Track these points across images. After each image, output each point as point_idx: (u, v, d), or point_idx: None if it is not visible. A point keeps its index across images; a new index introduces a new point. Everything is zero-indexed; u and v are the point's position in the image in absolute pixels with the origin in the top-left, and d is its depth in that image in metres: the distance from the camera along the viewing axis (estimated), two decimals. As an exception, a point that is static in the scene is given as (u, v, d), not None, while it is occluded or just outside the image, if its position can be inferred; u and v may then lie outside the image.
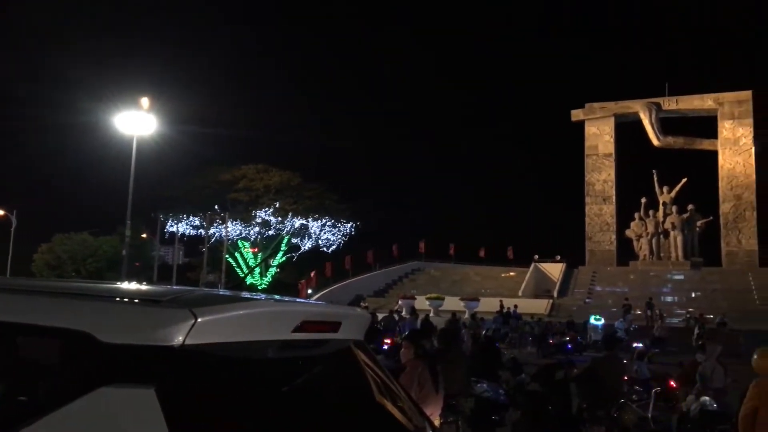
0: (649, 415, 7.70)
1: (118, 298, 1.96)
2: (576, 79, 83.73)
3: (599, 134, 51.39)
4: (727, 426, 6.74)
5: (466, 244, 54.22)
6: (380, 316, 28.10)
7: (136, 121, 25.69)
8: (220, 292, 2.37)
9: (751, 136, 47.07)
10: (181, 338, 1.67)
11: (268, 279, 52.17)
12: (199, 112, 47.87)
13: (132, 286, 2.46)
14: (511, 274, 48.35)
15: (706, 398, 7.79)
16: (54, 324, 1.77)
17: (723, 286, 41.59)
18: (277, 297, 2.44)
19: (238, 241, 51.32)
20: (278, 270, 53.50)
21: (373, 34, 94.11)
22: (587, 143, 51.87)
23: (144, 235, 50.67)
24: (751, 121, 47.18)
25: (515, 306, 33.92)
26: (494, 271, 50.24)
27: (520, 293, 42.23)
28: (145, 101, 25.99)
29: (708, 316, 32.43)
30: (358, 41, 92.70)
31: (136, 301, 1.93)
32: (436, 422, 5.96)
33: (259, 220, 49.55)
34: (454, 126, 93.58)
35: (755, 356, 4.90)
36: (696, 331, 25.73)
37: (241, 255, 52.28)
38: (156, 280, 39.38)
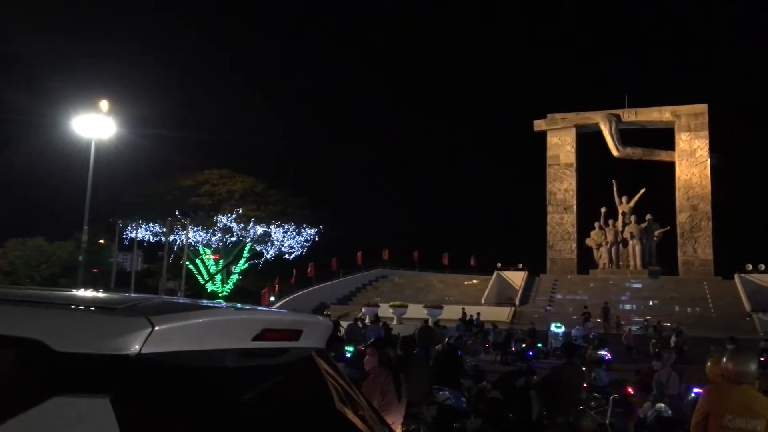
0: (607, 422, 7.83)
1: (72, 306, 1.92)
2: (539, 90, 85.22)
3: (561, 144, 52.30)
4: (681, 431, 6.91)
5: (430, 252, 54.53)
6: (345, 324, 28.02)
7: (95, 125, 25.19)
8: (179, 300, 2.34)
9: (706, 148, 48.51)
10: (137, 347, 1.64)
11: (229, 286, 51.54)
12: (161, 116, 47.30)
13: (88, 293, 2.41)
14: (474, 281, 48.75)
15: (662, 405, 7.97)
16: (5, 332, 1.72)
17: (679, 294, 42.65)
18: (237, 305, 2.42)
19: (200, 248, 50.58)
20: (240, 277, 52.90)
21: (337, 39, 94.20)
22: (549, 153, 52.74)
23: (102, 241, 49.55)
24: (707, 133, 48.64)
25: (478, 314, 34.20)
26: (458, 278, 50.58)
27: (482, 301, 42.59)
28: (104, 104, 25.51)
29: (665, 324, 33.22)
30: (320, 49, 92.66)
31: (92, 308, 1.89)
32: (398, 431, 5.97)
33: (221, 226, 48.93)
34: (418, 134, 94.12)
35: (708, 363, 5.04)
36: (653, 338, 26.30)
37: (203, 262, 51.53)
38: (113, 287, 38.51)
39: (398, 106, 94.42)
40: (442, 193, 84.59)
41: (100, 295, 2.40)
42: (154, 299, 2.11)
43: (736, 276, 42.90)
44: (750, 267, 43.35)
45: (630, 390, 9.66)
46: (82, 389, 1.58)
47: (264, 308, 2.45)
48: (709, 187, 48.37)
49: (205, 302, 2.17)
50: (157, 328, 1.68)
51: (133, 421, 1.56)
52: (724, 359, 4.57)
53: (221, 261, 51.51)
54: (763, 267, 43.08)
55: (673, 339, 25.27)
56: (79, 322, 1.77)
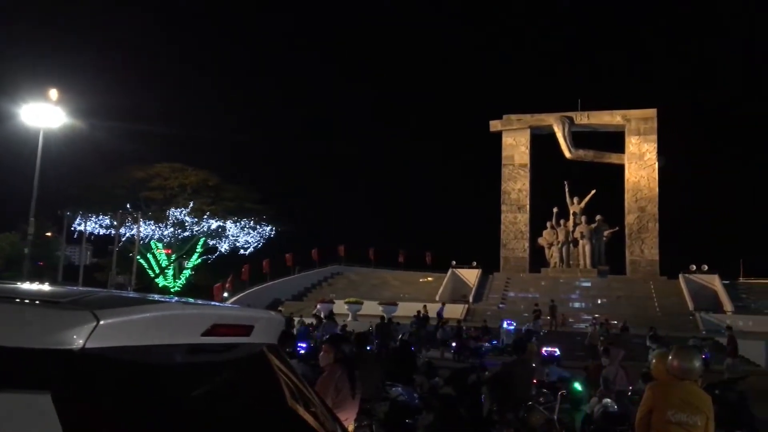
0: (555, 417, 8.00)
1: (13, 299, 1.85)
2: (496, 92, 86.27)
3: (516, 145, 53.08)
4: (626, 426, 7.11)
5: (386, 249, 54.74)
6: (301, 320, 27.87)
7: (43, 114, 24.39)
8: (126, 294, 2.28)
9: (655, 152, 49.94)
10: (81, 341, 1.60)
11: (181, 281, 50.63)
12: (113, 108, 46.10)
13: (31, 286, 2.33)
14: (429, 279, 49.11)
15: (608, 400, 8.18)
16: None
17: (627, 293, 43.84)
18: (186, 299, 2.38)
19: (151, 242, 49.52)
20: (193, 272, 52.02)
21: (294, 34, 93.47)
22: (504, 153, 53.47)
23: (49, 234, 48.09)
24: (655, 137, 50.07)
25: (443, 304, 34.71)
26: (413, 276, 50.87)
27: (437, 298, 42.92)
28: (53, 93, 24.71)
29: (613, 322, 34.12)
30: (277, 44, 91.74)
31: (34, 302, 1.83)
32: (351, 427, 5.97)
33: (173, 220, 48.01)
34: (376, 133, 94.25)
35: (653, 361, 5.20)
36: (601, 336, 26.98)
37: (154, 256, 50.47)
38: (61, 281, 37.42)
39: (357, 104, 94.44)
40: (398, 191, 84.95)
41: (44, 288, 2.33)
42: (100, 293, 2.06)
43: (680, 276, 44.33)
44: (694, 267, 44.85)
45: (578, 386, 9.90)
46: (22, 385, 1.53)
47: (214, 303, 2.41)
48: (657, 189, 49.84)
49: (153, 296, 2.13)
50: (102, 322, 1.64)
51: (75, 417, 1.52)
52: (669, 357, 4.72)
53: (173, 256, 50.56)
54: (705, 267, 44.62)
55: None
56: (20, 315, 1.71)
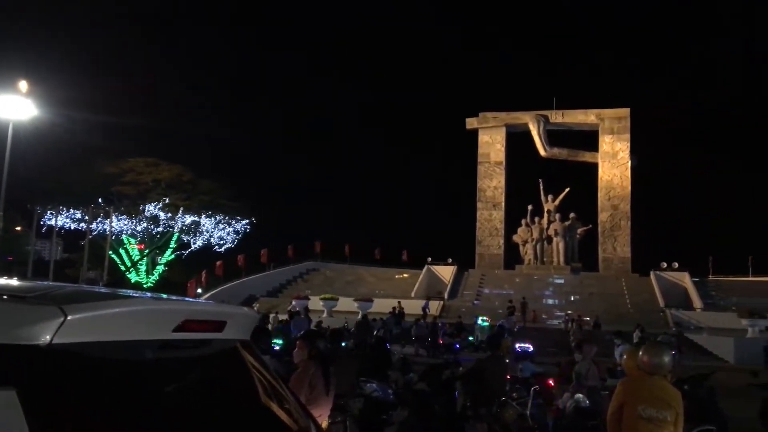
0: (528, 412, 8.08)
1: (-22, 294, 1.81)
2: (472, 90, 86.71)
3: (491, 143, 53.42)
4: (598, 421, 7.22)
5: (362, 246, 54.73)
6: (276, 317, 27.74)
7: (13, 106, 23.91)
8: (95, 289, 2.25)
9: (628, 151, 50.66)
10: (48, 337, 1.57)
11: (155, 277, 50.02)
12: (85, 101, 45.26)
13: (-2, 281, 2.28)
14: (405, 275, 49.23)
15: (580, 395, 8.29)
16: None
17: (599, 290, 44.43)
18: (156, 295, 2.35)
19: (123, 237, 48.85)
20: (166, 268, 51.43)
21: (268, 31, 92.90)
22: (480, 151, 53.80)
23: (18, 228, 47.16)
24: (628, 136, 50.78)
25: (428, 299, 34.79)
26: (388, 272, 50.94)
27: (412, 294, 43.08)
28: (23, 85, 24.23)
29: (585, 318, 34.56)
30: (253, 40, 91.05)
31: (1, 297, 1.79)
32: (325, 423, 5.95)
33: (147, 215, 47.40)
34: (353, 128, 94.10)
35: (624, 356, 5.28)
36: (572, 332, 27.32)
37: (126, 251, 49.78)
38: (30, 276, 36.75)
39: (333, 101, 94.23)
40: (374, 187, 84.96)
41: (11, 282, 2.28)
42: (68, 287, 2.02)
43: (651, 273, 45.07)
44: (664, 265, 45.62)
45: (551, 382, 10.01)
46: (-14, 381, 1.49)
47: (186, 299, 2.39)
48: (629, 188, 50.57)
49: (123, 291, 2.10)
50: (69, 317, 1.61)
51: (42, 414, 1.49)
52: (640, 352, 4.79)
53: (146, 251, 49.93)
54: (676, 265, 45.42)
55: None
56: (-15, 310, 1.67)
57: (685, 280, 43.98)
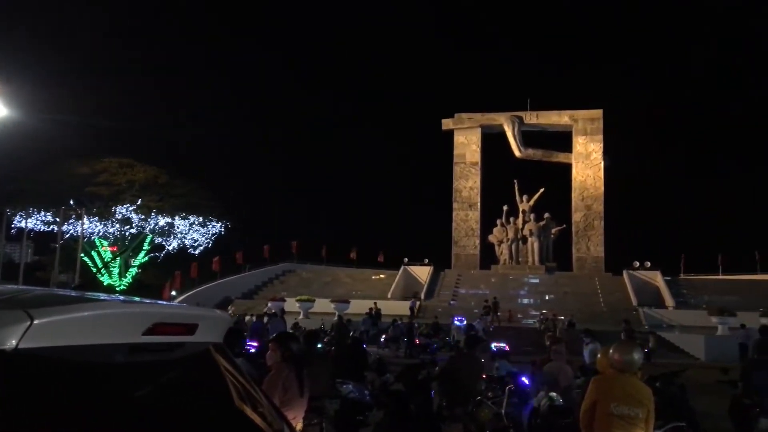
0: (503, 411, 8.14)
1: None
2: (448, 91, 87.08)
3: (467, 143, 53.74)
4: (571, 420, 7.30)
5: (339, 247, 54.61)
6: (252, 318, 27.56)
7: (-19, 105, 23.42)
8: (63, 292, 2.22)
9: (601, 151, 51.32)
10: (14, 342, 1.54)
11: (128, 280, 49.33)
12: (57, 100, 44.46)
13: (-38, 285, 2.23)
14: (382, 276, 49.23)
15: (554, 394, 8.37)
16: None
17: (573, 289, 44.91)
18: (126, 297, 2.32)
19: (96, 239, 48.10)
20: (140, 270, 50.76)
21: (242, 29, 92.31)
22: (456, 151, 54.09)
23: (-13, 231, 46.13)
24: (601, 137, 51.45)
25: (414, 299, 35.56)
26: (365, 273, 50.90)
27: (389, 295, 43.11)
28: (-8, 84, 23.74)
29: (560, 317, 34.89)
30: (227, 39, 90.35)
31: (-33, 301, 1.76)
32: (299, 426, 5.93)
33: (119, 216, 46.74)
34: (329, 129, 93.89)
35: (598, 355, 5.36)
36: (546, 331, 27.55)
37: (99, 254, 49.02)
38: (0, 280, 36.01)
39: (309, 102, 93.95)
40: (351, 188, 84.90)
41: (-24, 287, 2.23)
42: (35, 291, 1.99)
43: (624, 272, 45.70)
44: (637, 264, 46.29)
45: (525, 380, 10.09)
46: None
47: (156, 302, 2.36)
48: (602, 188, 51.23)
49: (92, 294, 2.07)
50: (36, 321, 1.58)
51: (8, 420, 1.47)
52: (611, 350, 4.87)
53: (119, 253, 49.23)
54: (648, 264, 46.11)
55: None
56: (-51, 315, 1.64)
57: (657, 279, 44.66)
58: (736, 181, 77.50)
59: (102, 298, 2.02)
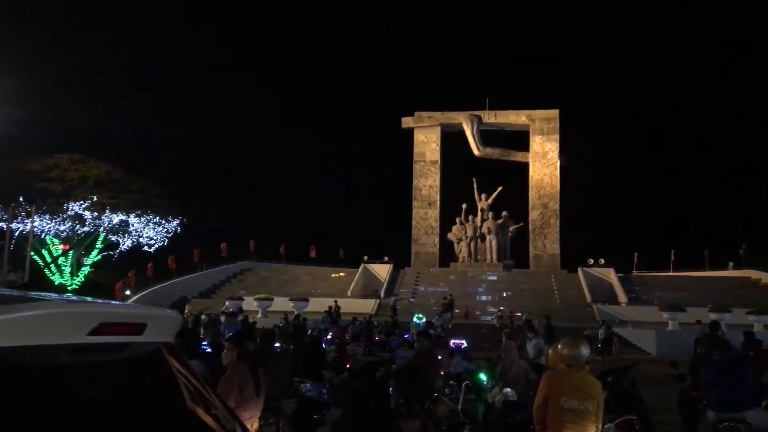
0: (459, 407, 8.23)
1: None
2: (408, 89, 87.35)
3: (427, 142, 54.07)
4: (525, 414, 7.43)
5: (298, 245, 54.24)
6: (211, 317, 27.13)
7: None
8: (4, 292, 2.16)
9: (557, 151, 52.26)
10: (-49, 343, 1.50)
11: (80, 279, 48.10)
12: (4, 95, 42.92)
13: None
14: (341, 274, 49.15)
15: (508, 390, 8.51)
16: None
17: (530, 286, 45.64)
18: (71, 297, 2.27)
19: (47, 237, 46.77)
20: (92, 269, 49.55)
21: (196, 29, 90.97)
22: (416, 150, 54.38)
23: (-70, 229, 44.37)
24: (557, 137, 52.39)
25: (395, 298, 35.23)
26: (324, 271, 50.73)
27: (349, 293, 43.07)
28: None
29: (517, 314, 35.40)
30: (181, 36, 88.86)
31: None
32: (255, 425, 5.89)
33: (72, 213, 45.54)
34: (287, 127, 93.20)
35: (549, 352, 5.46)
36: (502, 327, 27.94)
37: (50, 252, 47.66)
38: (-57, 280, 34.68)
39: (266, 99, 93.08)
40: (310, 186, 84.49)
41: None
42: (-27, 291, 1.93)
43: (579, 270, 46.64)
44: (591, 261, 47.32)
45: (482, 377, 10.21)
46: None
47: (103, 301, 2.31)
48: (558, 187, 52.18)
49: (35, 294, 2.02)
50: (-26, 322, 1.53)
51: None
52: (560, 346, 4.97)
53: (71, 251, 47.95)
54: (602, 261, 47.17)
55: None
56: None
57: (611, 275, 45.72)
58: (687, 180, 79.91)
59: (45, 297, 1.97)
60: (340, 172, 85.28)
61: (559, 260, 50.97)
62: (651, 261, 51.85)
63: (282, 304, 35.22)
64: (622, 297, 42.38)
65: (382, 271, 48.14)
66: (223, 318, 25.59)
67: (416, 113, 54.63)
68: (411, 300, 43.70)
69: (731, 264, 48.45)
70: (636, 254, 52.25)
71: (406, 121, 54.60)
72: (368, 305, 39.91)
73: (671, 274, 49.09)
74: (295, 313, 31.57)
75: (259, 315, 32.72)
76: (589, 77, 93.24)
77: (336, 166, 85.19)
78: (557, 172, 52.31)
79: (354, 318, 29.77)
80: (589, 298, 41.64)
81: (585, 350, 4.85)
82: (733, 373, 7.17)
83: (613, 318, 37.18)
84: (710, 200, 75.97)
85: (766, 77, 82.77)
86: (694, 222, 69.21)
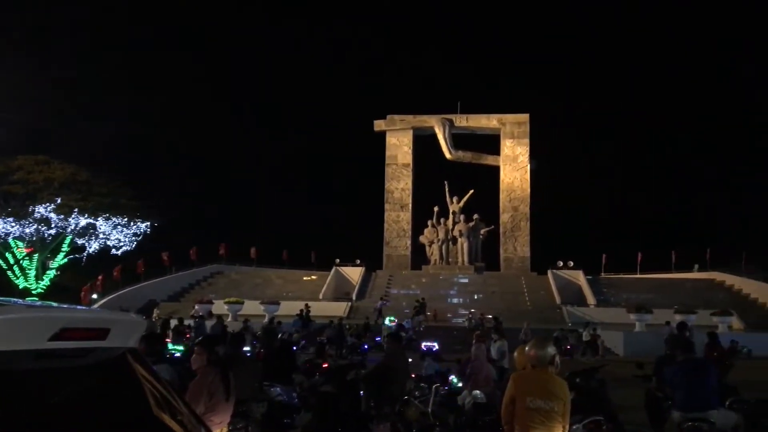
0: (430, 410, 8.27)
1: None
2: (381, 92, 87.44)
3: (399, 145, 54.23)
4: (494, 416, 7.49)
5: (270, 248, 53.84)
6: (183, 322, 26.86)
7: None
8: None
9: (527, 155, 52.83)
10: None
11: (45, 283, 47.08)
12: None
13: None
14: (313, 277, 48.96)
15: (477, 392, 8.58)
16: None
17: (501, 288, 46.03)
18: (33, 302, 2.22)
19: (10, 240, 45.70)
20: (58, 273, 48.54)
21: (160, 27, 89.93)
22: (388, 153, 54.49)
23: None
24: (528, 140, 52.97)
25: (382, 300, 36.28)
26: (296, 274, 50.48)
27: (320, 296, 42.95)
28: None
29: (488, 316, 35.69)
30: (147, 34, 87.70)
31: None
32: (225, 430, 5.84)
33: (37, 216, 44.59)
34: (258, 129, 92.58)
35: (515, 353, 5.53)
36: (472, 329, 28.12)
37: (13, 255, 46.55)
38: None
39: (240, 103, 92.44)
40: (282, 188, 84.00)
41: None
42: (-72, 297, 1.88)
43: (549, 272, 47.19)
44: (561, 264, 47.92)
45: (452, 379, 10.27)
46: None
47: (65, 306, 2.28)
48: (529, 190, 52.76)
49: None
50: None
51: None
52: (527, 347, 5.04)
53: (36, 255, 46.92)
54: (571, 264, 47.81)
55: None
56: None
57: (580, 278, 46.35)
58: (653, 183, 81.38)
59: (4, 302, 1.93)
60: (312, 174, 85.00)
61: (529, 263, 51.52)
62: (619, 263, 52.70)
63: (253, 307, 34.96)
64: (590, 299, 42.99)
65: (353, 273, 48.10)
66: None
67: (388, 116, 54.75)
68: (383, 303, 43.70)
69: (696, 266, 49.47)
70: (604, 256, 53.08)
71: (378, 124, 54.69)
72: (340, 308, 39.83)
73: (638, 276, 49.95)
74: (267, 317, 31.42)
75: (230, 319, 32.43)
76: (560, 82, 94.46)
77: (308, 169, 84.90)
78: (528, 176, 52.88)
79: (330, 321, 29.73)
80: (558, 300, 42.15)
81: (551, 350, 4.92)
82: (696, 374, 7.31)
83: (581, 319, 37.68)
84: (676, 203, 77.57)
85: (734, 77, 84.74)
86: (659, 224, 70.51)
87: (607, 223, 70.50)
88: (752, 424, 7.97)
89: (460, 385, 9.87)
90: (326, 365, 12.31)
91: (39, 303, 2.22)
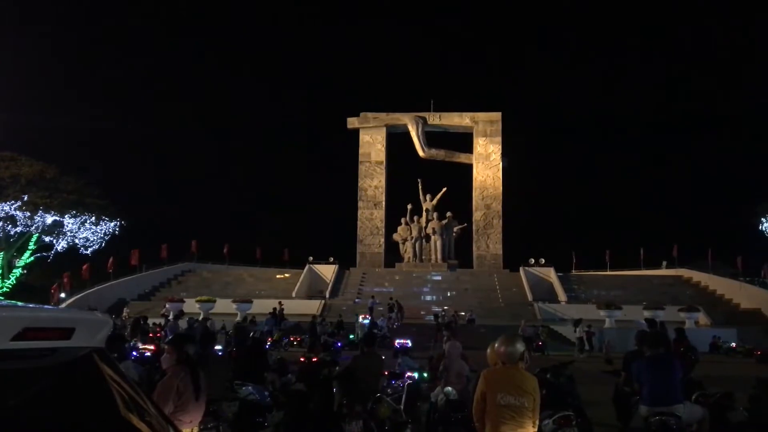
0: (401, 407, 8.29)
1: None
2: (354, 89, 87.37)
3: (372, 143, 54.19)
4: (466, 412, 7.55)
5: (242, 246, 53.48)
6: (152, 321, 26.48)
7: None
8: None
9: (499, 153, 53.22)
10: None
11: (11, 282, 46.07)
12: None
13: None
14: (286, 275, 48.73)
15: (449, 389, 8.63)
16: None
17: (473, 285, 46.34)
18: (-6, 302, 2.18)
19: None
20: (24, 272, 47.54)
21: (141, 19, 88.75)
22: (361, 150, 54.43)
23: None
24: (500, 139, 53.35)
25: (372, 299, 37.13)
26: (268, 272, 50.20)
27: (293, 294, 42.77)
28: None
29: (461, 313, 35.94)
30: (120, 29, 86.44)
31: None
32: (195, 430, 5.78)
33: (2, 214, 43.60)
34: (229, 125, 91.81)
35: (488, 349, 5.57)
36: (440, 327, 28.30)
37: (-22, 254, 45.49)
38: None
39: (211, 99, 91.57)
40: (254, 185, 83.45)
41: None
42: None
43: (521, 269, 47.66)
44: (532, 261, 48.44)
45: (425, 376, 10.31)
46: None
47: (28, 305, 2.24)
48: (501, 188, 53.16)
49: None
50: None
51: None
52: (497, 344, 5.08)
53: (1, 253, 45.90)
54: (543, 261, 48.34)
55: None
56: None
57: (551, 275, 46.89)
58: (623, 182, 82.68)
59: (-36, 303, 1.90)
60: (285, 172, 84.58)
61: (501, 260, 51.94)
62: (589, 260, 53.48)
63: (225, 306, 34.69)
64: (561, 295, 43.51)
65: (327, 271, 48.00)
66: (163, 321, 25.01)
67: (362, 114, 54.69)
68: (356, 300, 43.70)
69: (664, 263, 50.38)
70: (574, 254, 53.76)
71: (352, 122, 54.61)
72: (313, 306, 39.72)
73: (608, 273, 50.69)
74: (240, 315, 31.16)
75: (201, 317, 32.11)
76: (532, 81, 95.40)
77: (281, 166, 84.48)
78: (500, 174, 53.28)
79: (313, 317, 29.71)
80: (530, 297, 42.58)
81: (520, 346, 4.97)
82: (662, 369, 7.44)
83: (553, 316, 38.15)
84: (645, 201, 78.91)
85: (703, 77, 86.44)
86: (629, 223, 71.69)
87: (577, 221, 71.51)
88: (717, 417, 8.15)
89: (427, 383, 9.92)
90: (316, 360, 12.26)
91: (4, 302, 2.17)
